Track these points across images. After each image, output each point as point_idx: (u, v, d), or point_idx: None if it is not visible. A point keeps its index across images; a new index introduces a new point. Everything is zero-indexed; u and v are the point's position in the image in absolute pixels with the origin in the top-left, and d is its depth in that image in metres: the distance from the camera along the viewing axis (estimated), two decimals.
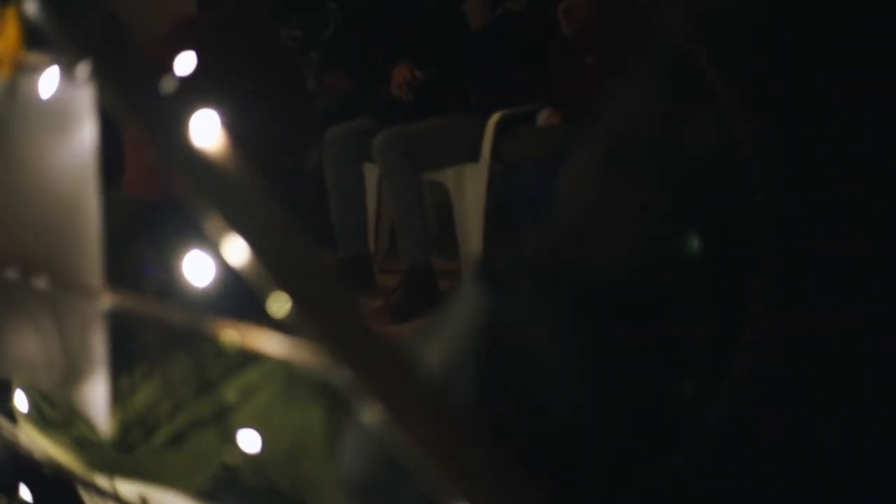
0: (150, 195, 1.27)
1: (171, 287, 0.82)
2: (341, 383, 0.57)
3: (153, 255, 1.03)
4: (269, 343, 0.62)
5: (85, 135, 0.68)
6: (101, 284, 0.69)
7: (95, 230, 0.69)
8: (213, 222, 0.58)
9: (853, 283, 0.79)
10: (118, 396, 0.72)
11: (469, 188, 4.82)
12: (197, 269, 0.67)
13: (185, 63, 0.63)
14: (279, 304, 0.57)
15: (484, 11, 4.97)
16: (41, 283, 0.70)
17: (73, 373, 0.72)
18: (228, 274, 0.62)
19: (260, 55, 1.36)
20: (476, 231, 4.77)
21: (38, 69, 0.68)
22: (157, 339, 1.11)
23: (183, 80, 0.59)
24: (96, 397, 0.71)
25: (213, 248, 0.60)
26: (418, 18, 5.26)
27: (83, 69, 0.62)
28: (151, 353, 1.12)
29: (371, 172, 5.00)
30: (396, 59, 5.03)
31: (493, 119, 4.77)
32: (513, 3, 4.96)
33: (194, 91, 0.61)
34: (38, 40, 0.66)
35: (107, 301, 0.69)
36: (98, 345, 0.71)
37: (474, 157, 4.81)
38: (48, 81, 0.67)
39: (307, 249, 0.60)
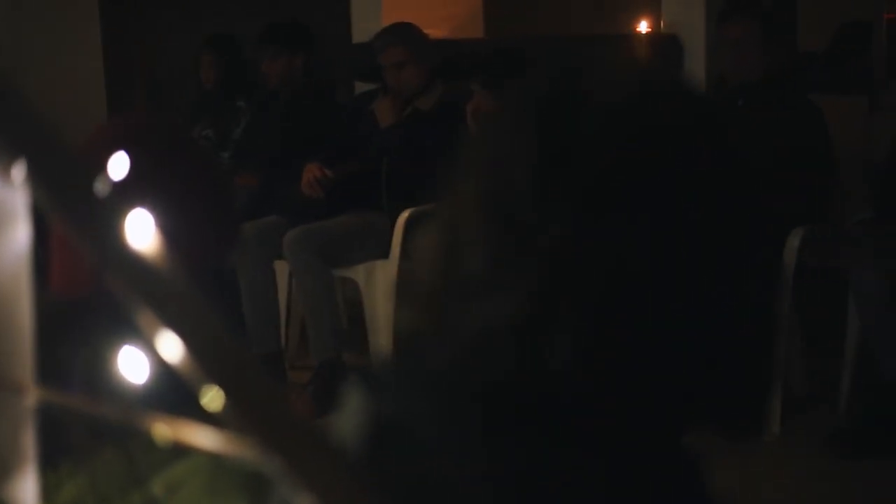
0: (76, 294, 1.28)
1: (99, 383, 0.83)
2: (271, 473, 0.59)
3: (78, 353, 1.04)
4: (200, 437, 0.64)
5: (18, 235, 0.70)
6: (30, 381, 0.70)
7: (27, 328, 0.70)
8: (146, 319, 0.60)
9: None
10: (44, 492, 0.73)
11: (379, 284, 4.84)
12: (125, 365, 0.69)
13: (119, 165, 0.66)
14: (212, 398, 0.59)
15: (393, 110, 5.03)
16: None
17: (1, 469, 0.72)
18: (160, 369, 0.64)
19: (183, 155, 1.38)
20: (386, 327, 4.79)
21: None
22: (83, 435, 1.11)
23: (115, 182, 0.61)
24: (24, 493, 0.72)
25: (145, 344, 0.62)
26: (328, 117, 5.31)
27: (18, 171, 0.64)
28: (77, 448, 1.12)
29: (281, 269, 5.01)
30: (306, 158, 5.06)
31: (403, 217, 4.81)
32: (422, 102, 5.04)
33: (126, 192, 0.63)
34: None
35: (35, 397, 0.70)
36: (27, 441, 0.72)
37: (384, 254, 4.85)
38: None
39: (238, 344, 0.62)
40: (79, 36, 6.97)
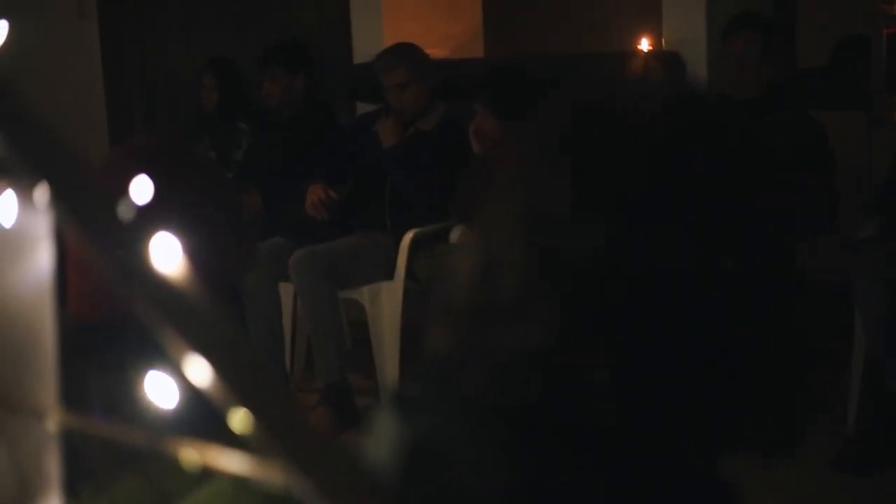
0: (93, 317, 1.28)
1: (123, 407, 0.83)
2: (300, 496, 0.59)
3: (100, 377, 1.03)
4: (228, 461, 0.63)
5: (41, 259, 0.70)
6: (54, 405, 0.70)
7: (50, 353, 0.70)
8: (173, 342, 0.60)
9: None
10: None
11: (385, 306, 4.84)
12: (153, 390, 0.68)
13: (141, 189, 0.65)
14: (241, 421, 0.58)
15: (396, 131, 5.03)
16: None
17: (25, 495, 0.72)
18: (187, 393, 0.63)
19: (200, 175, 1.38)
20: (392, 348, 4.78)
21: None
22: (104, 461, 1.11)
23: (139, 205, 0.61)
24: None
25: (172, 367, 0.62)
26: (331, 138, 5.31)
27: (41, 195, 0.64)
28: (98, 474, 1.12)
29: (286, 291, 5.00)
30: (310, 179, 5.07)
31: (408, 237, 4.81)
32: (424, 122, 5.04)
33: (149, 215, 0.63)
34: None
35: (59, 422, 0.70)
36: (51, 466, 0.71)
37: (389, 275, 4.84)
38: (5, 207, 0.69)
39: (265, 366, 0.62)
40: (77, 38, 6.94)
